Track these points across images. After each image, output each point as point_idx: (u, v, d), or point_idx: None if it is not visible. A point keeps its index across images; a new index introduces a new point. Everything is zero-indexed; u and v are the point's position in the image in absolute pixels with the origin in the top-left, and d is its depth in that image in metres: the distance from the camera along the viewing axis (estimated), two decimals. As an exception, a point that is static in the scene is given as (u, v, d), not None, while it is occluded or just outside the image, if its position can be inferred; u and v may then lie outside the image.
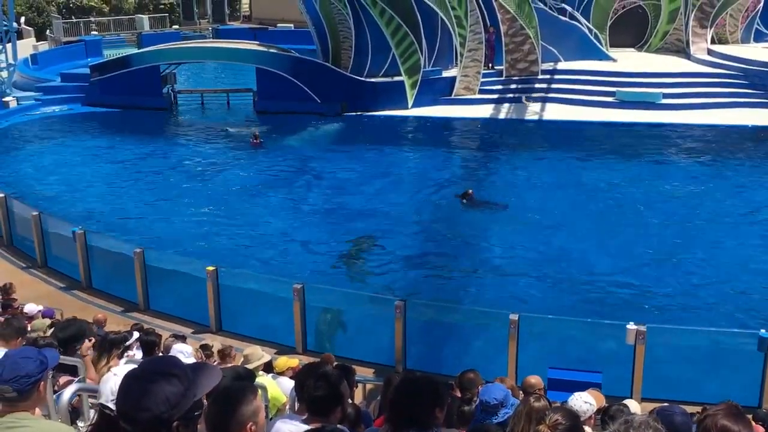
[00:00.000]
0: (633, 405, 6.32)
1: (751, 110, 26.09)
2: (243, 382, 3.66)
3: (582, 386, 6.56)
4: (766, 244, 16.16)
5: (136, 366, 2.79)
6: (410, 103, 27.29)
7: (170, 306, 13.40)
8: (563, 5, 30.37)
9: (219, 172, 21.56)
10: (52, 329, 7.27)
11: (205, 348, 9.16)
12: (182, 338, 8.78)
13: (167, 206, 18.80)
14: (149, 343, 7.61)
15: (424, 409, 3.77)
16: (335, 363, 7.82)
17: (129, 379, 2.66)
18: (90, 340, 6.35)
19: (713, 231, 16.88)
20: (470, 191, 18.62)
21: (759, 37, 31.60)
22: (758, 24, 31.57)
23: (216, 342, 10.42)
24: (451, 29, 27.21)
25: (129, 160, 22.73)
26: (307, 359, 9.12)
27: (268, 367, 8.37)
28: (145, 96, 27.79)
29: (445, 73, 28.19)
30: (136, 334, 7.77)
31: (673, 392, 10.49)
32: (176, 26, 45.68)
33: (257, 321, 12.96)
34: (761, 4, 31.21)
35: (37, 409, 3.98)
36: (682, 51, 30.99)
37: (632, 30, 32.12)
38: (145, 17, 44.89)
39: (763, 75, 26.96)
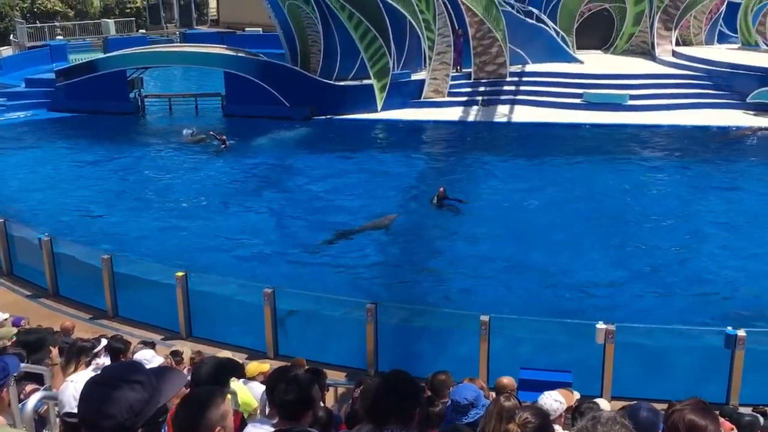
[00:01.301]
0: (603, 403, 6.37)
1: (716, 111, 26.50)
2: (214, 386, 3.61)
3: (553, 386, 6.60)
4: (732, 242, 16.38)
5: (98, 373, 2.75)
6: (379, 106, 27.31)
7: (140, 312, 13.26)
8: (530, 8, 30.62)
9: (186, 176, 21.40)
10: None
11: (175, 354, 9.06)
12: (151, 345, 8.68)
13: (134, 211, 18.60)
14: (117, 350, 7.51)
15: (408, 407, 3.78)
16: (306, 367, 7.78)
17: (91, 386, 2.61)
18: (53, 348, 6.25)
19: (681, 230, 17.10)
20: (442, 189, 18.66)
21: (722, 39, 32.12)
22: (721, 26, 32.08)
23: (186, 348, 10.32)
24: (419, 32, 27.29)
25: (95, 165, 22.48)
26: (278, 364, 9.06)
27: (240, 372, 8.30)
28: (111, 101, 27.54)
29: (414, 76, 28.26)
30: (104, 341, 7.66)
31: (643, 390, 10.62)
32: (143, 30, 45.29)
33: (228, 326, 12.86)
34: (724, 7, 31.72)
35: (1, 418, 3.91)
36: (648, 53, 31.40)
37: (598, 32, 32.48)
38: (111, 21, 44.46)
39: (727, 76, 27.40)
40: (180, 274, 12.55)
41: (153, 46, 32.46)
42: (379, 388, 3.84)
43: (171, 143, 24.67)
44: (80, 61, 29.79)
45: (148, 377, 2.61)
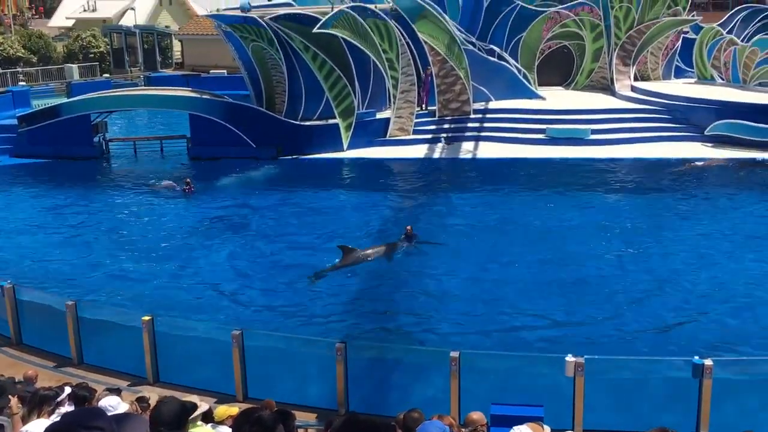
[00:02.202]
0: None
1: (675, 143, 27.06)
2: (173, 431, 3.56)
3: (524, 421, 6.59)
4: (698, 272, 16.60)
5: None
6: (345, 145, 27.47)
7: (105, 359, 13.03)
8: (491, 46, 31.17)
9: (152, 220, 21.21)
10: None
11: (141, 400, 8.90)
12: (117, 391, 8.52)
13: (99, 257, 18.37)
14: (82, 397, 7.36)
15: None
16: (275, 409, 7.69)
17: (51, 433, 2.58)
18: (12, 398, 6.12)
19: (643, 261, 17.31)
20: (409, 228, 18.71)
21: (679, 74, 32.92)
22: (678, 61, 32.90)
23: (153, 394, 10.14)
24: (383, 71, 27.58)
25: (59, 211, 22.21)
26: (247, 407, 8.95)
27: (208, 417, 8.17)
28: (75, 145, 27.37)
29: (379, 115, 28.51)
30: (68, 389, 7.51)
31: (615, 423, 10.65)
32: (107, 75, 45.23)
33: (196, 369, 12.68)
34: (679, 43, 32.58)
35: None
36: (608, 88, 32.06)
37: (559, 69, 33.13)
38: (74, 66, 44.37)
39: (685, 109, 28.04)
40: (146, 318, 12.39)
41: (117, 90, 32.37)
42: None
43: (136, 187, 24.48)
44: (43, 106, 29.59)
45: (107, 423, 2.57)
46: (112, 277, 17.13)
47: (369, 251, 17.70)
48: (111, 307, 14.23)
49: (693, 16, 32.66)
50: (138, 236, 19.81)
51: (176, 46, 50.51)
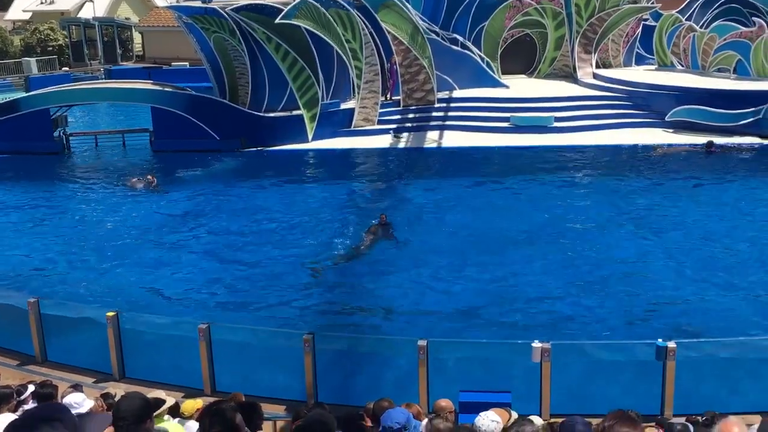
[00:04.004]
0: (537, 420, 6.44)
1: (637, 129, 27.40)
2: (137, 425, 3.54)
3: (492, 407, 6.64)
4: (660, 256, 16.84)
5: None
6: (310, 136, 27.38)
7: (70, 356, 12.85)
8: (455, 35, 31.22)
9: (114, 214, 20.92)
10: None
11: (106, 397, 8.81)
12: (80, 388, 8.42)
13: (61, 253, 18.10)
14: (45, 395, 7.26)
15: None
16: (243, 401, 7.65)
17: (11, 429, 2.53)
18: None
19: (607, 245, 17.51)
20: (383, 216, 18.76)
21: (640, 61, 33.29)
22: (638, 48, 33.25)
23: (119, 390, 10.04)
24: (347, 62, 27.50)
25: (18, 207, 21.84)
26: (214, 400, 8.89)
27: (176, 411, 8.12)
28: (35, 140, 26.92)
29: (344, 105, 28.44)
30: (31, 387, 7.41)
31: (580, 406, 10.77)
32: (66, 68, 44.52)
33: (163, 364, 12.56)
34: (640, 30, 32.93)
35: None
36: (570, 76, 32.32)
37: (522, 57, 33.32)
38: (32, 60, 43.62)
39: (646, 96, 28.38)
40: (111, 313, 12.24)
41: (77, 83, 31.87)
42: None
43: (98, 182, 24.17)
44: (1, 101, 29.03)
45: (69, 417, 2.55)
46: (75, 274, 16.89)
47: (362, 245, 17.78)
48: (74, 304, 14.04)
49: (652, 3, 33.01)
50: (100, 231, 19.53)
51: (137, 38, 49.86)
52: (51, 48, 47.06)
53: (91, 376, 12.22)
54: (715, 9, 33.69)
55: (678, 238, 17.91)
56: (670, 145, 25.76)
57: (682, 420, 8.34)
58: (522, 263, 16.62)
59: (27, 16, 54.65)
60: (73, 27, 48.51)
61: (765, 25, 29.49)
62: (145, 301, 15.19)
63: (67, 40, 48.22)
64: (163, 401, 6.45)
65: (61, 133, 28.27)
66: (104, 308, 12.77)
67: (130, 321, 12.49)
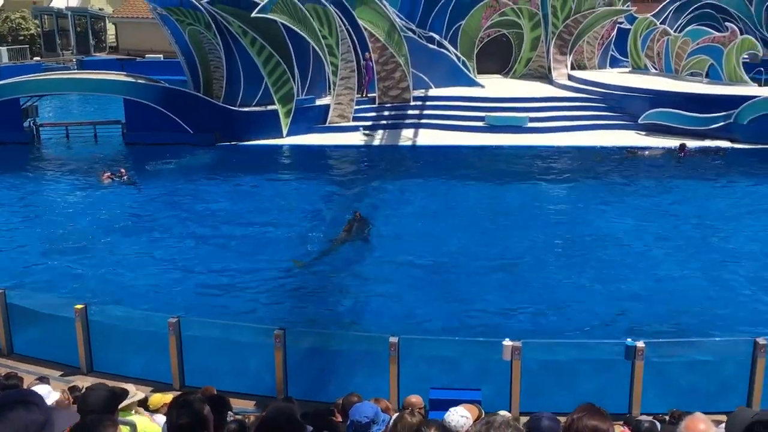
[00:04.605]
0: (505, 414, 6.44)
1: (611, 131, 27.62)
2: (102, 415, 3.49)
3: (463, 403, 6.64)
4: (631, 258, 16.98)
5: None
6: (285, 131, 27.26)
7: (37, 349, 12.67)
8: (431, 34, 31.26)
9: (84, 207, 20.68)
10: None
11: (74, 390, 8.70)
12: (47, 380, 8.31)
13: (29, 244, 17.85)
14: (10, 387, 7.15)
15: None
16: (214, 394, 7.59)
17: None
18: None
19: (580, 247, 17.63)
20: (357, 213, 18.75)
21: (614, 63, 33.59)
22: (613, 51, 33.55)
23: (86, 383, 9.92)
24: (323, 58, 27.41)
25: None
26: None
27: (144, 405, 8.05)
28: (4, 131, 26.55)
29: (319, 101, 28.35)
30: (-5, 380, 7.29)
31: (551, 404, 10.82)
32: (37, 58, 43.93)
33: (132, 358, 12.44)
34: (614, 33, 33.22)
35: None
36: (545, 77, 32.52)
37: (498, 57, 33.47)
38: (3, 49, 42.99)
39: (620, 98, 28.62)
40: (79, 306, 12.08)
41: (48, 73, 31.44)
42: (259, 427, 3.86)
43: (67, 174, 23.86)
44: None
45: (43, 401, 2.53)
46: (42, 266, 16.68)
47: (335, 241, 17.78)
48: (41, 296, 13.86)
49: (627, 6, 33.32)
50: (70, 224, 19.29)
51: (110, 29, 49.30)
52: (22, 37, 46.40)
53: (58, 370, 12.07)
54: (688, 13, 34.10)
55: (650, 236, 18.07)
56: (643, 148, 25.98)
57: (650, 418, 8.41)
58: (495, 262, 16.67)
59: (-1, 4, 53.79)
60: (46, 16, 47.87)
61: (737, 30, 29.88)
62: (115, 294, 15.03)
63: (39, 29, 47.56)
64: (128, 393, 6.38)
65: (32, 124, 27.90)
66: (72, 300, 12.61)
67: (99, 314, 12.35)
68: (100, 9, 50.76)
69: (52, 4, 49.80)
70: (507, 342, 10.65)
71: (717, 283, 15.53)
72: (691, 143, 25.91)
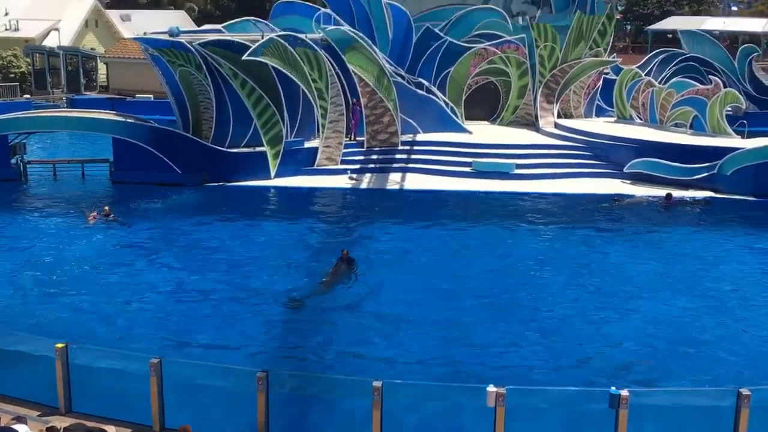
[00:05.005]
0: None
1: (596, 180, 27.86)
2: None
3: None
4: (617, 304, 17.02)
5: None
6: (273, 173, 27.35)
7: (15, 388, 12.46)
8: (420, 80, 31.61)
9: (67, 245, 20.50)
10: None
11: (51, 430, 8.57)
12: (23, 420, 8.18)
13: (11, 283, 17.70)
14: (-14, 427, 7.03)
15: None
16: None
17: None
18: None
19: (565, 291, 17.68)
20: (344, 251, 18.74)
21: (600, 112, 34.00)
22: (599, 100, 33.99)
23: (65, 423, 9.78)
24: (312, 101, 27.63)
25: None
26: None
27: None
28: (-10, 167, 26.52)
29: (308, 144, 28.49)
30: (-28, 419, 7.17)
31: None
32: (27, 96, 44.06)
33: (112, 399, 12.26)
34: (600, 83, 33.69)
35: None
36: (532, 124, 32.87)
37: (485, 104, 33.81)
38: (-7, 86, 43.07)
39: (605, 147, 28.95)
40: (60, 345, 11.94)
41: (37, 111, 31.49)
42: None
43: (53, 211, 23.76)
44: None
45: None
46: (24, 304, 16.53)
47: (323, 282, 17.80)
48: (22, 334, 13.68)
49: (613, 57, 33.86)
50: (52, 262, 19.15)
51: (102, 68, 49.55)
52: (13, 75, 46.57)
53: (36, 410, 11.87)
54: (673, 66, 34.70)
55: (632, 287, 18.12)
56: (629, 196, 26.18)
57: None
58: (478, 308, 16.66)
59: (-10, 41, 54.06)
60: (37, 55, 48.10)
61: (720, 83, 30.41)
62: (96, 334, 14.90)
63: (30, 67, 47.75)
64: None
65: (19, 161, 27.84)
66: (53, 340, 12.46)
67: (80, 353, 12.19)
68: (92, 49, 51.09)
69: (44, 43, 50.10)
70: (491, 388, 10.60)
71: (705, 329, 15.60)
72: (676, 193, 26.15)
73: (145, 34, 29.69)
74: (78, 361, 12.05)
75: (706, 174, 26.88)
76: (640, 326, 15.86)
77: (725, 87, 30.56)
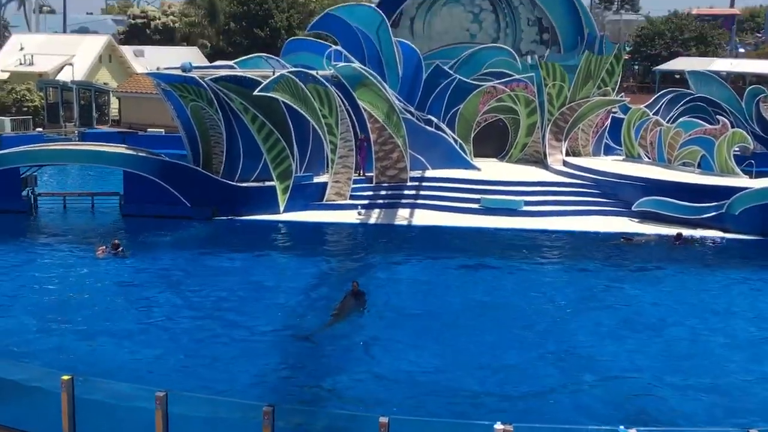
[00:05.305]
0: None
1: (604, 218, 27.85)
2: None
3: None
4: (630, 342, 16.92)
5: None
6: (282, 207, 27.44)
7: (20, 421, 12.41)
8: (429, 116, 31.84)
9: (76, 279, 20.54)
10: None
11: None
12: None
13: (19, 314, 17.72)
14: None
15: None
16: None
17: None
18: None
19: (573, 328, 17.59)
20: (355, 283, 18.75)
21: (608, 151, 34.09)
22: (607, 139, 34.11)
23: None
24: (322, 136, 27.82)
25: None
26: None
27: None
28: (2, 199, 26.75)
29: (317, 179, 28.63)
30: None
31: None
32: (40, 129, 44.51)
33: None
34: (609, 121, 33.85)
35: None
36: (540, 162, 32.97)
37: (494, 141, 33.99)
38: (6, 119, 43.63)
39: (613, 185, 28.97)
40: (66, 377, 11.91)
41: (49, 144, 31.80)
42: None
43: (62, 244, 23.85)
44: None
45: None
46: (31, 337, 16.52)
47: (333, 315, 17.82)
48: (27, 365, 13.68)
49: (621, 97, 34.04)
50: (61, 295, 19.19)
51: (114, 103, 50.05)
52: (26, 108, 47.06)
53: (40, 442, 11.82)
54: (681, 106, 34.82)
55: (641, 325, 18.00)
56: (639, 234, 26.12)
57: None
58: (486, 344, 16.58)
59: (5, 76, 54.72)
60: (51, 89, 48.64)
61: (728, 123, 30.48)
62: (102, 367, 14.85)
63: (43, 101, 48.29)
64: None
65: (30, 193, 28.04)
66: (59, 372, 12.43)
67: (85, 386, 12.16)
68: (105, 83, 51.65)
69: (58, 78, 50.70)
70: (498, 425, 10.50)
71: (720, 367, 15.49)
72: (685, 232, 26.06)
73: (157, 69, 30.05)
74: (83, 394, 12.02)
75: (714, 213, 26.83)
76: (656, 364, 15.74)
77: (733, 127, 30.63)
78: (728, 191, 26.87)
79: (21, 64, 54.36)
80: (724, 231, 26.50)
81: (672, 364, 15.79)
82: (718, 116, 32.77)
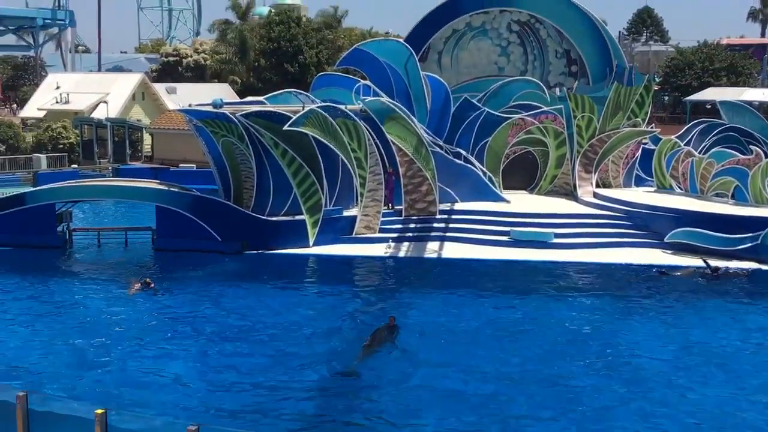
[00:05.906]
0: None
1: (636, 249, 27.55)
2: None
3: None
4: (667, 376, 16.65)
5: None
6: (311, 241, 27.55)
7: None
8: (458, 149, 31.92)
9: (110, 314, 20.73)
10: None
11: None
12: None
13: (55, 350, 17.92)
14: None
15: None
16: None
17: None
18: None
19: (616, 364, 17.34)
20: (392, 318, 18.92)
21: (639, 182, 33.85)
22: (638, 170, 33.87)
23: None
24: (351, 170, 27.99)
25: (16, 300, 21.77)
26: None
27: None
28: (38, 234, 27.16)
29: (346, 213, 28.74)
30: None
31: None
32: (75, 165, 45.34)
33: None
34: (639, 152, 33.65)
35: None
36: (570, 193, 32.82)
37: (523, 174, 33.96)
38: (42, 156, 44.57)
39: (645, 216, 28.71)
40: (99, 411, 11.97)
41: (83, 180, 32.37)
42: None
43: (96, 279, 24.14)
44: (7, 195, 29.39)
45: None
46: (67, 371, 16.69)
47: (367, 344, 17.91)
48: (62, 399, 13.77)
49: (651, 128, 33.87)
50: (95, 329, 19.37)
51: (147, 139, 50.90)
52: (62, 145, 48.01)
53: (73, 476, 11.84)
54: (713, 136, 34.47)
55: (678, 362, 17.72)
56: (674, 267, 25.70)
57: None
58: (521, 378, 16.41)
59: (41, 114, 56.00)
60: (86, 126, 49.61)
61: (761, 153, 30.15)
62: (135, 402, 14.93)
63: (78, 138, 49.23)
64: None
65: (65, 228, 28.50)
66: (93, 406, 12.51)
67: (119, 419, 12.21)
68: (138, 120, 52.59)
69: (93, 115, 51.73)
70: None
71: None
72: (721, 263, 25.62)
73: (189, 105, 30.54)
74: (117, 426, 12.06)
75: (749, 244, 26.44)
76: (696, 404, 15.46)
77: (766, 157, 30.29)
78: (763, 222, 26.49)
79: (57, 102, 55.66)
80: (760, 262, 26.07)
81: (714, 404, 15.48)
82: (751, 146, 32.43)
